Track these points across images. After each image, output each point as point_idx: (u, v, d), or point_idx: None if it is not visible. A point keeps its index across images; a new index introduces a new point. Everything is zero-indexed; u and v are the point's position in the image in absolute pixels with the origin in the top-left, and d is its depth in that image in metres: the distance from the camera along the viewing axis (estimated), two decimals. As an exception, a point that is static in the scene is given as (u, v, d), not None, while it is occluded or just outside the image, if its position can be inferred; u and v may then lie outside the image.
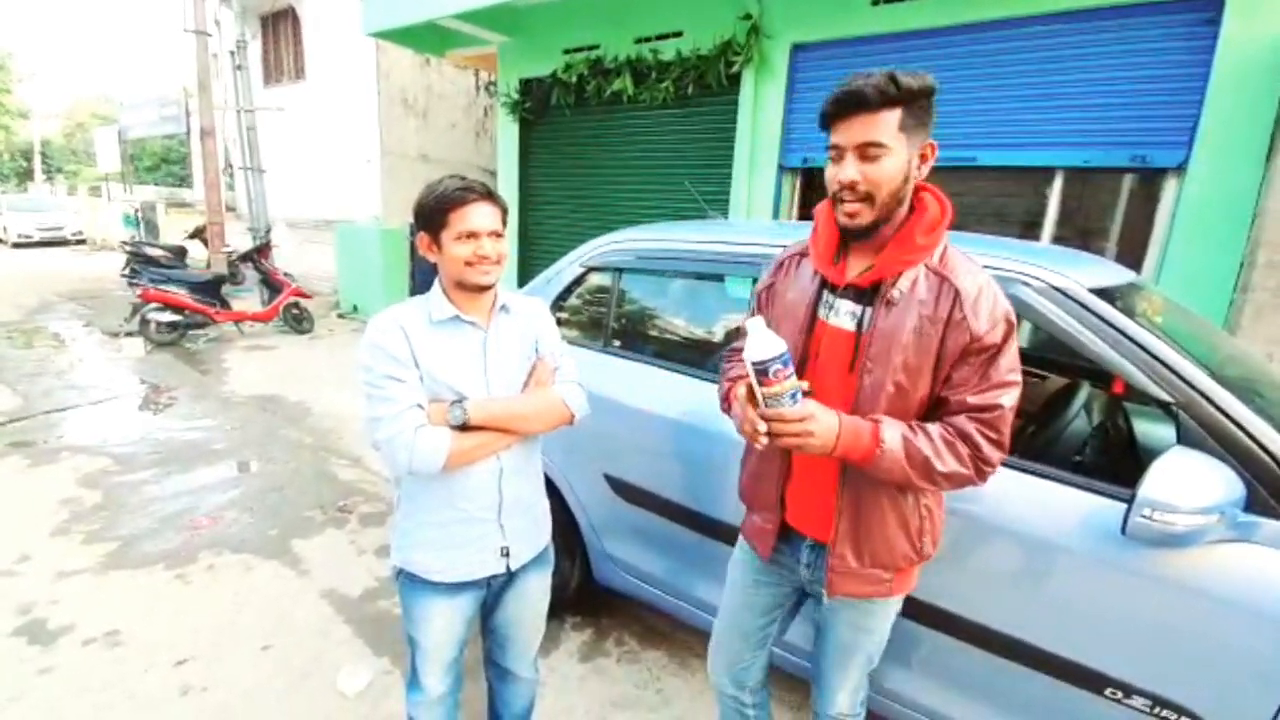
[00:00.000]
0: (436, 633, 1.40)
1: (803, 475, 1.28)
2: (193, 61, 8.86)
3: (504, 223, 1.31)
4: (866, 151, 1.04)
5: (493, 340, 1.35)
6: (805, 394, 1.07)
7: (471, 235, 1.25)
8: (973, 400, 1.08)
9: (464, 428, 1.26)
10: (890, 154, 1.04)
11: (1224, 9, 3.13)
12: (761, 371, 1.03)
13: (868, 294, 1.14)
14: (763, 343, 1.03)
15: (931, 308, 1.09)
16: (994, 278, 1.48)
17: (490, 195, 1.29)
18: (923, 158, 1.09)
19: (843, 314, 1.17)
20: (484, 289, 1.30)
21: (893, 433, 1.07)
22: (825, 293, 1.20)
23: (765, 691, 1.55)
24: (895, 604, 1.34)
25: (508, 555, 1.40)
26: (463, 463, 1.28)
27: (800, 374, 1.13)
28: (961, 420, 1.08)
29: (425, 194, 1.28)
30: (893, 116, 1.03)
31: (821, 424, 1.05)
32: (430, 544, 1.36)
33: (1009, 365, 1.09)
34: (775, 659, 1.80)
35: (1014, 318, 1.11)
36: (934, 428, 1.09)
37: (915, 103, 1.04)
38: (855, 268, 1.16)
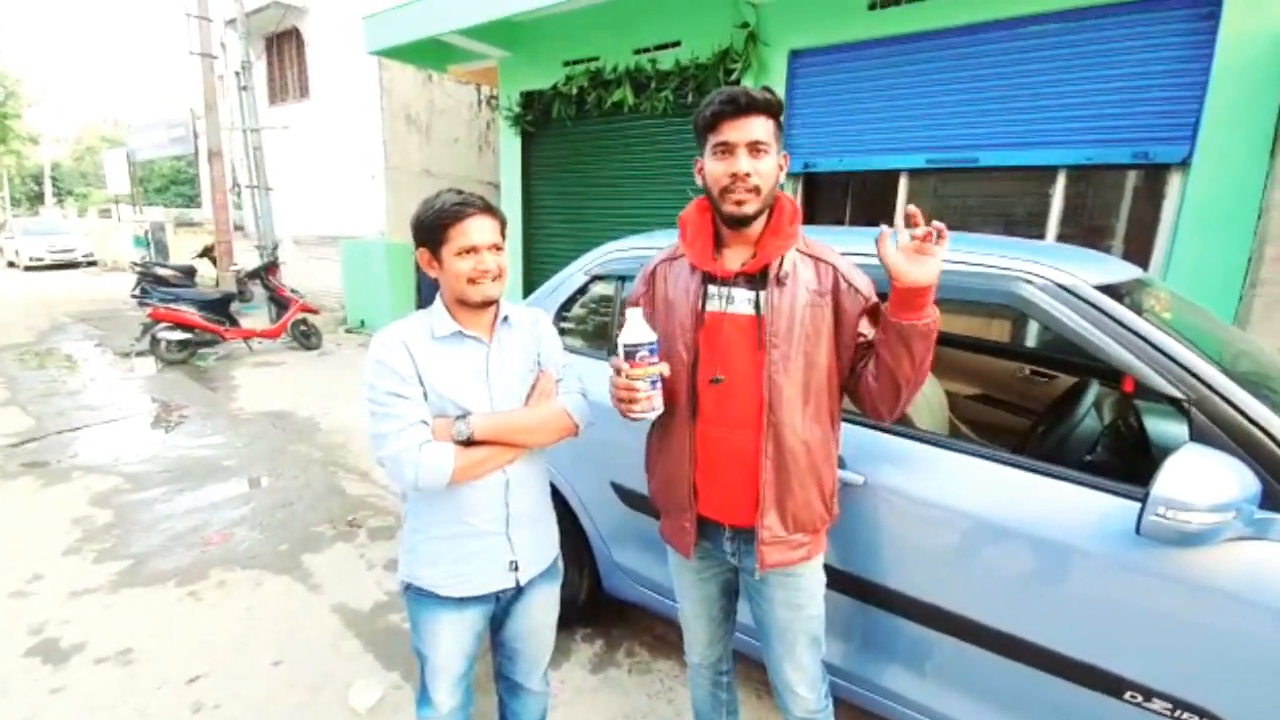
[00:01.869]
0: (445, 648, 1.39)
1: (710, 465, 1.35)
2: (199, 83, 8.99)
3: (503, 235, 1.31)
4: (756, 148, 1.19)
5: (495, 354, 1.35)
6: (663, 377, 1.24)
7: (471, 250, 1.25)
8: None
9: (469, 442, 1.26)
10: (771, 153, 1.21)
11: (1222, 4, 3.12)
12: (630, 355, 1.18)
13: (758, 279, 1.26)
14: (637, 330, 1.19)
15: (816, 283, 1.25)
16: (995, 275, 1.51)
17: (488, 208, 1.28)
18: (780, 166, 1.25)
19: (740, 301, 1.28)
20: (488, 303, 1.30)
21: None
22: (709, 287, 1.30)
23: (734, 660, 1.67)
24: (818, 575, 1.40)
25: (516, 569, 1.39)
26: (468, 478, 1.28)
27: (696, 363, 1.30)
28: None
29: (422, 210, 1.28)
30: (770, 123, 1.21)
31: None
32: (438, 559, 1.35)
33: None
34: (748, 648, 1.80)
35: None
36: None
37: (779, 116, 1.23)
38: (736, 260, 1.29)
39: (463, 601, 1.37)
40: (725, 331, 1.28)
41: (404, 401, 1.24)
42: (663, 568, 2.09)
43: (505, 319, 1.37)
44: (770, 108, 1.19)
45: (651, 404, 1.22)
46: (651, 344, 1.18)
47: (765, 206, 1.24)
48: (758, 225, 1.26)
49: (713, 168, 1.23)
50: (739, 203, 1.21)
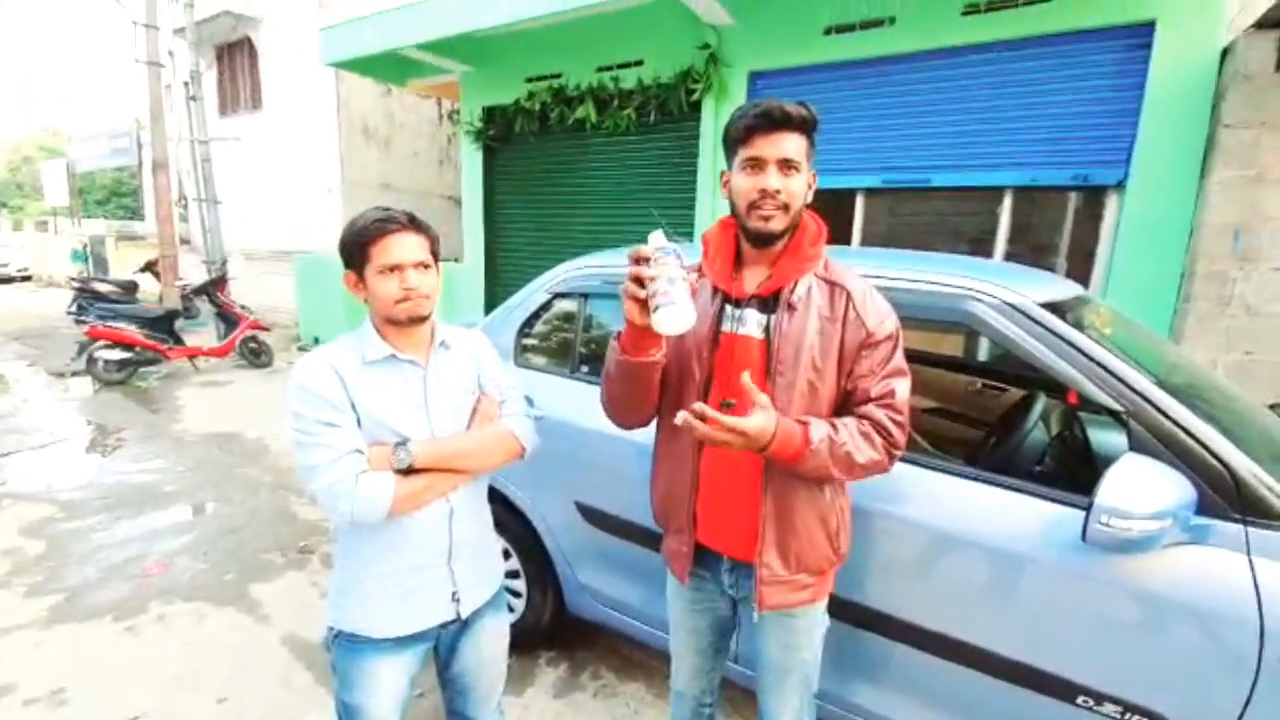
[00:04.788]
0: (384, 694, 1.29)
1: (712, 492, 1.30)
2: (146, 93, 8.68)
3: (434, 253, 1.24)
4: (787, 165, 1.16)
5: (433, 377, 1.28)
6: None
7: (395, 268, 1.18)
8: (875, 390, 1.18)
9: (409, 471, 1.20)
10: (801, 172, 1.18)
11: (1154, 35, 3.32)
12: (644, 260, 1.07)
13: (770, 303, 1.23)
14: (656, 239, 1.09)
15: (829, 309, 1.20)
16: (948, 293, 1.54)
17: (414, 225, 1.21)
18: (808, 185, 1.22)
19: (750, 324, 1.24)
20: (418, 322, 1.24)
21: (819, 432, 1.13)
22: (727, 307, 1.27)
23: (718, 693, 1.59)
24: (820, 618, 1.36)
25: (458, 600, 1.33)
26: (409, 508, 1.21)
27: (708, 386, 1.24)
28: (870, 409, 1.18)
29: (345, 230, 1.21)
30: (803, 141, 1.17)
31: (754, 424, 1.08)
32: (374, 597, 1.26)
33: (900, 356, 1.22)
34: (738, 676, 1.78)
35: (895, 315, 1.23)
36: (849, 421, 1.17)
37: (813, 133, 1.19)
38: (753, 281, 1.26)
39: (401, 641, 1.29)
40: (737, 353, 1.23)
41: (335, 430, 1.15)
42: (627, 586, 2.07)
43: (443, 343, 1.31)
44: (804, 124, 1.16)
45: (670, 299, 1.03)
46: (670, 249, 1.06)
47: (792, 225, 1.20)
48: (779, 245, 1.22)
49: (741, 182, 1.19)
50: (765, 219, 1.17)
